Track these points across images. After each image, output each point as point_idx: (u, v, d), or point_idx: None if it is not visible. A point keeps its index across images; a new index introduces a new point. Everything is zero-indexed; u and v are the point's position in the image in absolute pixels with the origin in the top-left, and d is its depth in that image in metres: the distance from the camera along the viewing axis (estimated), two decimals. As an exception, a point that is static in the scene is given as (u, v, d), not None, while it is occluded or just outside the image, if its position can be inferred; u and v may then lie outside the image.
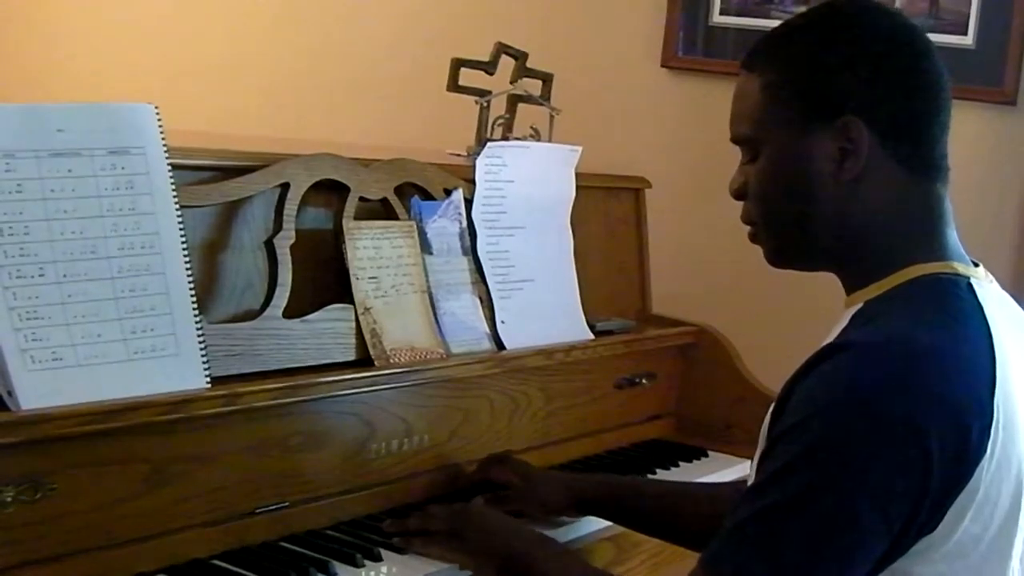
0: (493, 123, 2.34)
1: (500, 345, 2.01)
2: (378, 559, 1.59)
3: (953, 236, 1.32)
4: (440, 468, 1.88)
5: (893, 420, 1.14)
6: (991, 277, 1.34)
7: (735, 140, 1.37)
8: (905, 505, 1.14)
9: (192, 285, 1.54)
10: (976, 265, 1.33)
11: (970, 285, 1.27)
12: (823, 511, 1.14)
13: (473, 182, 2.04)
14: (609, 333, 2.25)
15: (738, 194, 1.38)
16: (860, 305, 1.30)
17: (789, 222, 1.34)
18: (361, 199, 1.83)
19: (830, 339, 1.27)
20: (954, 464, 1.15)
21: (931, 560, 1.17)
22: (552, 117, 2.37)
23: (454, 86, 2.34)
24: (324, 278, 1.78)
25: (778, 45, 1.34)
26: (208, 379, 1.53)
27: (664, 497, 1.77)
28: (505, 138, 2.33)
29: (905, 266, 1.28)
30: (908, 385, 1.15)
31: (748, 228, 1.39)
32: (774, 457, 1.19)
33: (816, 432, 1.16)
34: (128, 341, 1.47)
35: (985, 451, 1.17)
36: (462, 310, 1.96)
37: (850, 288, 1.34)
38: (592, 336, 2.20)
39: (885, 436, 1.14)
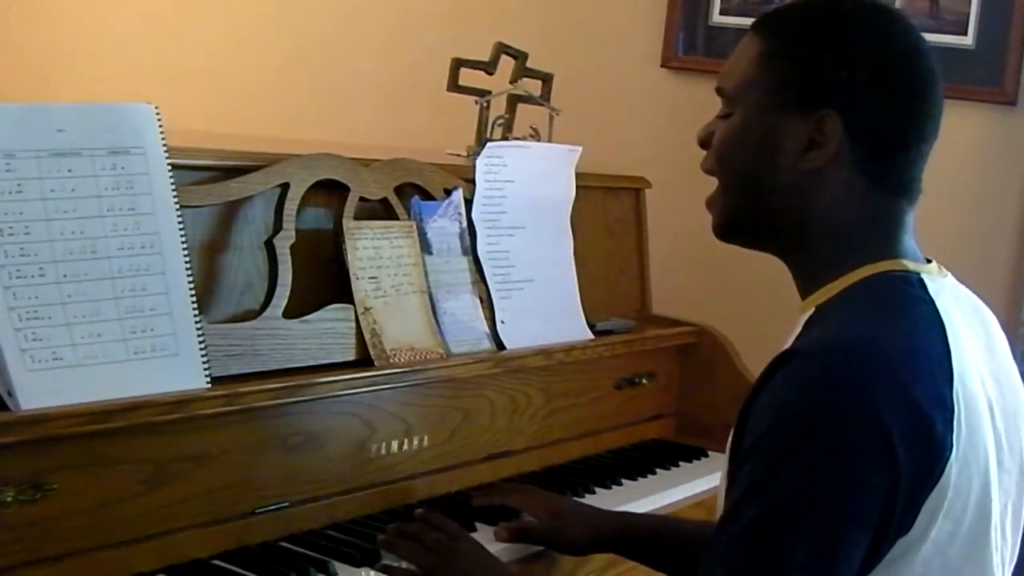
0: (493, 123, 2.34)
1: (500, 345, 2.01)
2: (378, 559, 1.59)
3: (909, 242, 1.31)
4: (441, 472, 1.88)
5: (851, 419, 1.13)
6: (946, 272, 1.33)
7: (718, 91, 1.37)
8: (878, 503, 1.13)
9: (192, 285, 1.54)
10: (929, 262, 1.32)
11: (921, 280, 1.27)
12: (797, 523, 1.13)
13: (473, 182, 2.04)
14: (609, 333, 2.25)
15: (702, 142, 1.39)
16: (812, 311, 1.29)
17: (741, 186, 1.34)
18: (361, 199, 1.83)
19: (784, 347, 1.26)
20: (921, 458, 1.14)
21: (909, 563, 1.16)
22: (552, 117, 2.37)
23: (454, 86, 2.34)
24: (324, 278, 1.78)
25: (791, 20, 1.34)
26: (208, 379, 1.53)
27: (700, 537, 1.66)
28: (505, 138, 2.33)
29: (854, 268, 1.28)
30: (862, 382, 1.14)
31: (710, 201, 1.39)
32: (742, 478, 1.18)
33: (777, 445, 1.15)
34: (128, 341, 1.47)
35: (951, 445, 1.16)
36: (462, 310, 1.96)
37: (802, 292, 1.33)
38: (592, 336, 2.20)
39: (845, 436, 1.13)
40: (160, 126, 1.53)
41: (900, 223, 1.31)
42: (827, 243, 1.30)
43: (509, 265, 2.08)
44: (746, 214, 1.35)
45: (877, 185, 1.29)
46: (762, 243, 1.37)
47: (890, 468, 1.13)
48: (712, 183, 1.40)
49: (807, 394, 1.15)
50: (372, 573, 1.56)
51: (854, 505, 1.13)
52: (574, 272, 2.21)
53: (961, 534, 1.18)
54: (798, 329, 1.30)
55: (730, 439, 1.27)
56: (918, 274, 1.27)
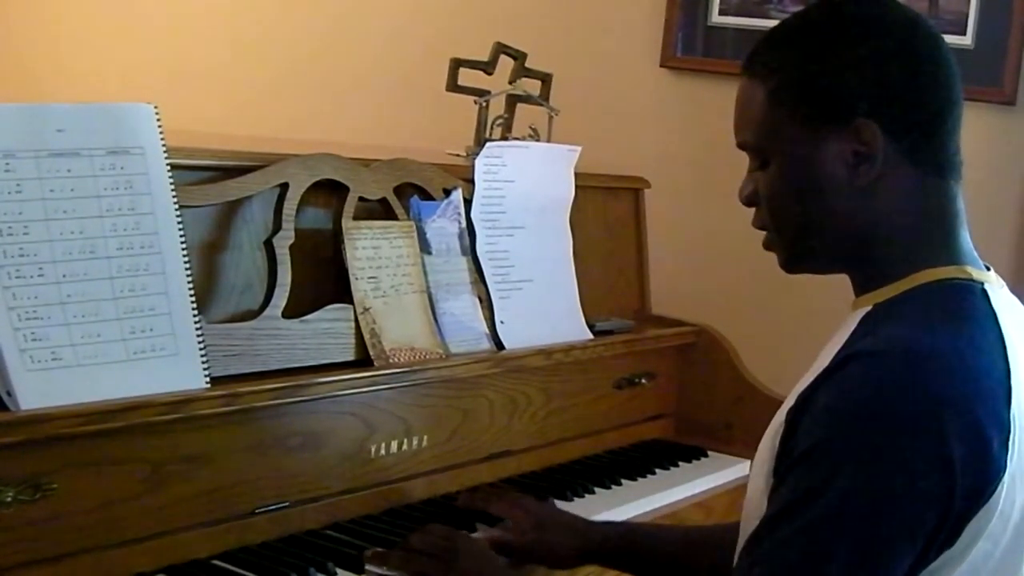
0: (492, 123, 2.34)
1: (499, 345, 2.01)
2: (378, 559, 1.59)
3: (966, 238, 1.28)
4: (441, 472, 1.88)
5: (915, 433, 1.11)
6: (1002, 282, 1.30)
7: (741, 147, 1.33)
8: (931, 519, 1.12)
9: (191, 285, 1.54)
10: (988, 269, 1.29)
11: (984, 291, 1.24)
12: (850, 532, 1.11)
13: (472, 182, 2.04)
14: (608, 333, 2.25)
15: (749, 201, 1.33)
16: (869, 308, 1.26)
17: (804, 229, 1.29)
18: (360, 199, 1.83)
19: (838, 343, 1.24)
20: (976, 477, 1.12)
21: None
22: (551, 117, 2.37)
23: (453, 86, 2.34)
24: (323, 278, 1.78)
25: (780, 48, 1.29)
26: (208, 379, 1.53)
27: (685, 545, 1.63)
28: (504, 138, 2.33)
29: (918, 269, 1.25)
30: (928, 396, 1.12)
31: (761, 234, 1.35)
32: (797, 479, 1.15)
33: (837, 450, 1.13)
34: (127, 341, 1.47)
35: (1005, 466, 1.14)
36: (461, 310, 1.96)
37: (860, 288, 1.30)
38: (591, 336, 2.20)
39: (908, 450, 1.11)
40: (159, 126, 1.53)
41: (957, 212, 1.28)
42: (894, 245, 1.26)
43: (508, 265, 2.08)
44: (815, 249, 1.31)
45: (928, 170, 1.26)
46: (832, 268, 1.33)
47: (947, 485, 1.11)
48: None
49: (867, 401, 1.13)
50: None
51: (908, 519, 1.11)
52: (573, 272, 2.21)
53: (997, 554, 1.17)
54: (852, 325, 1.26)
55: (780, 430, 1.22)
56: (982, 284, 1.25)
